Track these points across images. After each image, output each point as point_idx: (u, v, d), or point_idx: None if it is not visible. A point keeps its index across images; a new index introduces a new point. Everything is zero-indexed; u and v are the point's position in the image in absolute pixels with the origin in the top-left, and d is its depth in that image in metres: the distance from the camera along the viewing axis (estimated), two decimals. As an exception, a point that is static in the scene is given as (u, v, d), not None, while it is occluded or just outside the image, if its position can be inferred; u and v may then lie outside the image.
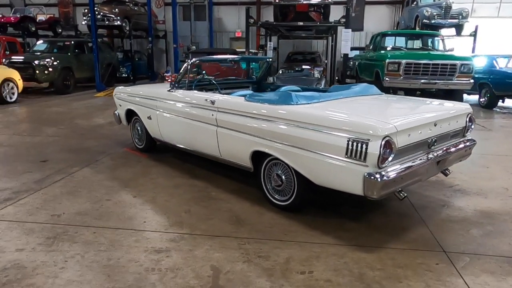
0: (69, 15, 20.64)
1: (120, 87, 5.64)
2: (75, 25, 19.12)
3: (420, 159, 2.97)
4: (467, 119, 3.55)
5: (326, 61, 16.29)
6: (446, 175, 3.56)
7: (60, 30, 18.49)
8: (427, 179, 3.46)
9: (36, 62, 11.34)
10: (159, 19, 19.90)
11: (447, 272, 2.52)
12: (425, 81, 8.27)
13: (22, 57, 11.65)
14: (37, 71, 11.29)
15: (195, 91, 4.33)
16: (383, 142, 2.59)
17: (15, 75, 10.08)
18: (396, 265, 2.59)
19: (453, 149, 3.35)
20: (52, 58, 11.81)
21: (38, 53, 12.11)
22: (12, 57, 11.65)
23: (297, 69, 11.55)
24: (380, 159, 2.59)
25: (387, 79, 8.44)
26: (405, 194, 2.89)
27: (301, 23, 9.85)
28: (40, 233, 2.99)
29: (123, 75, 16.30)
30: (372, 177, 2.61)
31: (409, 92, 8.70)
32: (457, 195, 3.90)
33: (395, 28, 17.33)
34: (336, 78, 16.08)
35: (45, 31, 18.12)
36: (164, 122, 4.69)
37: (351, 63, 13.64)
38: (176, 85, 4.53)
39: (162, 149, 5.29)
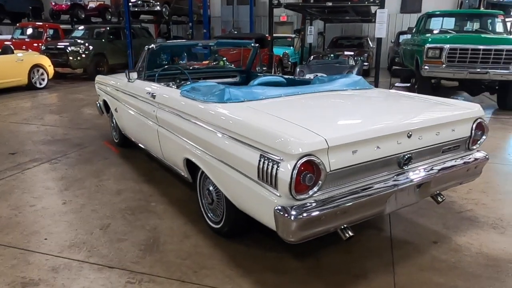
0: (119, 2, 21.04)
1: (101, 75, 5.22)
2: (119, 11, 19.38)
3: (379, 186, 2.11)
4: (474, 127, 2.55)
5: (374, 46, 14.81)
6: (437, 202, 2.59)
7: (109, 17, 18.90)
8: (400, 209, 2.52)
9: (70, 48, 11.49)
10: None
11: None
12: (473, 70, 6.86)
13: (56, 44, 11.86)
14: (70, 57, 11.45)
15: (145, 82, 3.70)
16: (298, 164, 1.78)
17: (45, 61, 10.22)
18: None
19: (444, 169, 2.40)
20: (86, 44, 11.91)
21: (72, 40, 12.26)
22: (48, 44, 11.93)
23: (331, 55, 10.46)
24: (294, 188, 1.80)
25: (426, 67, 7.15)
26: (351, 234, 2.05)
27: (329, 3, 8.75)
28: None
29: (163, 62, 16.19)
30: (283, 213, 1.82)
31: (464, 84, 7.35)
32: (462, 225, 2.91)
33: (458, 8, 15.25)
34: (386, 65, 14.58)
35: (96, 17, 18.62)
36: (123, 116, 4.17)
37: (400, 49, 12.16)
38: (137, 75, 3.95)
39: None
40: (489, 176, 3.88)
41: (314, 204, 1.88)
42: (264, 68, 4.84)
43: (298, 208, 1.83)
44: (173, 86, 3.53)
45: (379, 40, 8.12)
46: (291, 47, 13.37)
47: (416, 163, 2.32)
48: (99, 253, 2.52)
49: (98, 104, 5.20)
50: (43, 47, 11.85)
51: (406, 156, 2.21)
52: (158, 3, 15.07)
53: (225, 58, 9.47)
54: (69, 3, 17.12)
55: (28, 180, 3.80)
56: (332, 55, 10.65)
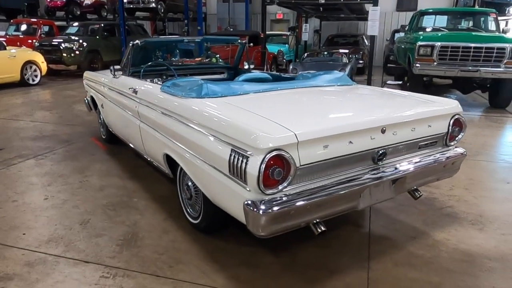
0: (115, -1, 20.96)
1: (89, 72, 5.20)
2: (114, 8, 19.31)
3: (352, 181, 2.11)
4: (451, 123, 2.56)
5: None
6: (414, 198, 2.61)
7: (105, 14, 18.83)
8: (374, 204, 2.53)
9: (63, 45, 11.45)
10: (202, 1, 19.46)
11: None
12: (464, 68, 6.87)
13: (51, 40, 11.82)
14: (64, 54, 11.41)
15: (129, 78, 3.68)
16: (266, 158, 1.78)
17: (38, 57, 10.18)
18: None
19: (419, 165, 2.41)
20: (80, 41, 11.87)
21: (66, 37, 12.22)
22: (42, 40, 11.88)
23: (325, 53, 10.46)
24: (262, 183, 1.80)
25: (417, 65, 7.15)
26: (323, 229, 2.05)
27: (322, 1, 8.73)
28: None
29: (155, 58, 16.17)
30: (252, 208, 1.83)
31: (456, 82, 7.36)
32: (441, 222, 2.92)
33: (454, 6, 15.25)
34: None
35: (91, 14, 18.54)
36: (108, 112, 4.16)
37: (394, 47, 12.17)
38: (121, 70, 3.93)
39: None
40: (474, 173, 3.90)
41: (284, 199, 1.88)
42: (252, 66, 4.81)
43: (268, 203, 1.84)
44: (158, 82, 3.53)
45: (372, 38, 8.11)
46: (286, 45, 13.36)
47: (391, 158, 2.33)
48: (76, 248, 2.53)
49: (86, 101, 5.18)
50: (36, 44, 11.80)
51: (381, 152, 2.22)
52: (153, 0, 15.03)
53: (218, 55, 9.46)
54: (64, 0, 17.03)
55: (12, 176, 3.79)
56: (326, 53, 10.64)
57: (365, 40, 14.68)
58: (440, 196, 3.37)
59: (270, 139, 1.79)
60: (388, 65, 11.96)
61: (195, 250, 2.51)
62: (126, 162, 4.20)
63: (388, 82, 8.94)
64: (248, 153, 1.84)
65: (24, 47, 10.95)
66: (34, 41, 12.23)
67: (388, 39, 14.57)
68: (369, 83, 8.12)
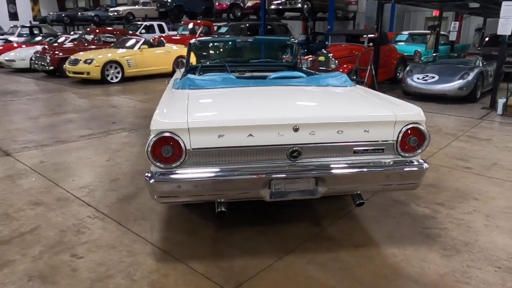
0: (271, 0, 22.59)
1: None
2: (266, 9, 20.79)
3: (250, 170, 2.29)
4: (403, 131, 2.38)
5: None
6: (354, 203, 2.53)
7: (267, 15, 20.62)
8: (294, 199, 2.46)
9: (211, 42, 13.29)
10: (353, 0, 19.29)
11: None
12: None
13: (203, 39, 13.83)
14: (211, 51, 13.24)
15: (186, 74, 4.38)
16: (155, 138, 2.20)
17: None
18: None
19: (345, 170, 2.36)
20: (226, 39, 13.55)
21: (216, 35, 14.07)
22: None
23: (453, 54, 9.30)
24: (151, 157, 2.22)
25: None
26: (223, 209, 2.34)
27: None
28: None
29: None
30: (148, 178, 2.27)
31: None
32: (410, 239, 2.69)
33: None
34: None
35: (252, 15, 20.58)
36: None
37: None
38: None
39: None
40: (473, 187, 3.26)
41: (174, 175, 2.24)
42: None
43: (159, 175, 2.24)
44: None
45: (502, 39, 6.90)
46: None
47: (314, 158, 2.37)
48: (92, 195, 3.40)
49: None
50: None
51: (294, 149, 2.31)
52: (300, 0, 15.78)
53: (330, 55, 9.58)
54: (228, 3, 19.44)
55: (103, 141, 5.04)
56: (456, 54, 9.43)
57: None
58: (443, 216, 3.02)
59: (160, 123, 2.20)
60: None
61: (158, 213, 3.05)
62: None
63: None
64: (150, 134, 2.27)
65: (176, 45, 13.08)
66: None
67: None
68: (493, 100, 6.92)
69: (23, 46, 14.39)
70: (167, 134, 2.20)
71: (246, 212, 3.06)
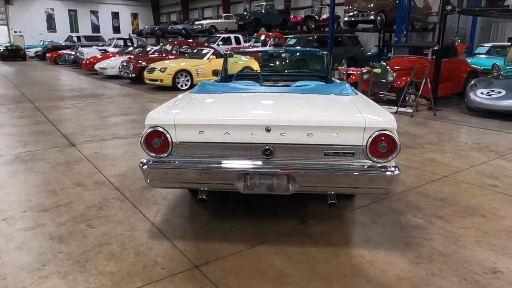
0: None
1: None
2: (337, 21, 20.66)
3: (227, 165, 2.60)
4: (373, 138, 2.50)
5: None
6: (327, 203, 2.69)
7: (339, 27, 20.63)
8: (268, 194, 2.69)
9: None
10: (433, 11, 18.38)
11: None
12: None
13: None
14: (277, 62, 13.72)
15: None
16: (148, 131, 2.63)
17: (254, 64, 12.75)
18: (139, 252, 2.65)
19: (312, 169, 2.55)
20: (293, 51, 13.92)
21: (284, 47, 14.50)
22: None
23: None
24: (145, 147, 2.65)
25: None
26: (204, 197, 2.70)
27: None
28: None
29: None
30: (141, 164, 2.70)
31: None
32: (384, 244, 2.76)
33: None
34: None
35: (326, 27, 20.72)
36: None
37: None
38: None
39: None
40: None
41: (162, 164, 2.64)
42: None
43: (150, 162, 2.66)
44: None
45: None
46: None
47: (286, 157, 2.59)
48: (120, 184, 3.97)
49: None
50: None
51: (266, 148, 2.57)
52: (373, 12, 15.56)
53: (388, 67, 9.49)
54: (303, 15, 19.83)
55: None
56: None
57: None
58: (434, 228, 3.00)
59: (153, 119, 2.63)
60: None
61: (168, 201, 3.49)
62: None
63: None
64: (145, 127, 2.71)
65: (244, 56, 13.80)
66: (261, 50, 15.16)
67: None
68: None
69: (116, 55, 16.35)
70: (159, 129, 2.62)
71: (242, 205, 3.36)
